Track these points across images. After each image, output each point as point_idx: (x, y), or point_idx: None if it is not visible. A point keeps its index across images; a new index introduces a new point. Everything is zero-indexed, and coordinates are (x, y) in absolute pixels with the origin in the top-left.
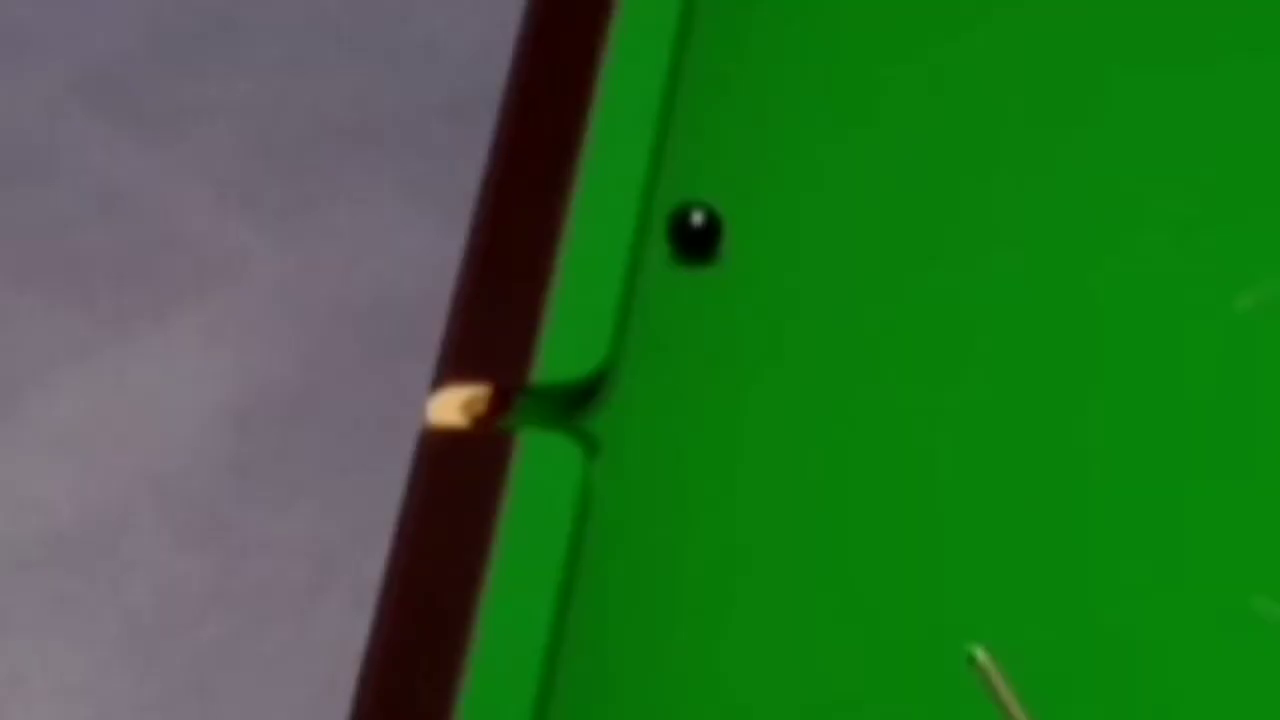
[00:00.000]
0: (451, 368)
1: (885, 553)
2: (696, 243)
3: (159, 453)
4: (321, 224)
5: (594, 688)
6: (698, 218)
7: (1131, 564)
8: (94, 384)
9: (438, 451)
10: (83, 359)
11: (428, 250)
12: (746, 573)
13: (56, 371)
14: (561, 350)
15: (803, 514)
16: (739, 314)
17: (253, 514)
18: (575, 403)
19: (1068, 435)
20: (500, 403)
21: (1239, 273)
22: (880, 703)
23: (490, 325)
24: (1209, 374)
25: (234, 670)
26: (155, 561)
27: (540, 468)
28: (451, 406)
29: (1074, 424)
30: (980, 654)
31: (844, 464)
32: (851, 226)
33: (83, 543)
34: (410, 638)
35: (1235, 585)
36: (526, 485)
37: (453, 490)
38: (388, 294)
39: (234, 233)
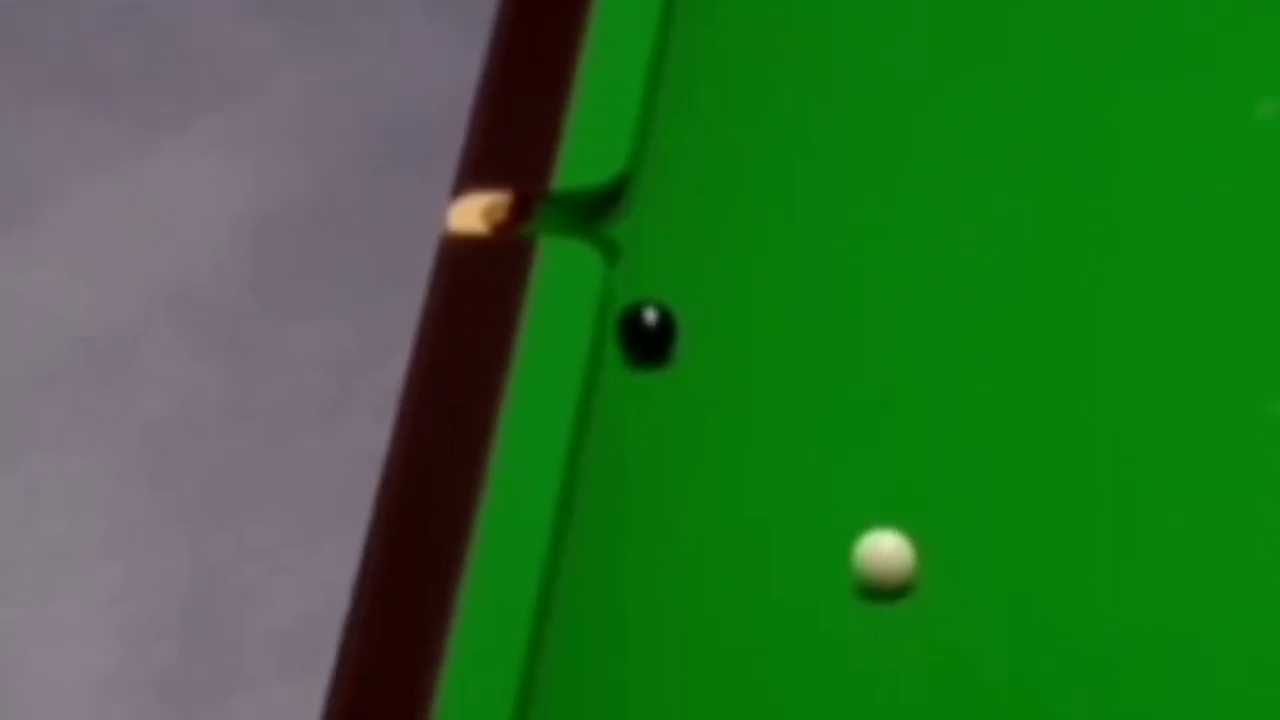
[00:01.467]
0: (472, 175)
1: (904, 352)
2: None
3: (177, 265)
4: (342, 36)
5: (615, 491)
6: None
7: (1153, 370)
8: (113, 196)
9: (458, 258)
10: (101, 171)
11: (448, 63)
12: (765, 373)
13: (75, 184)
14: (582, 157)
15: (822, 314)
16: (762, 120)
17: (271, 326)
18: (596, 210)
19: (1091, 243)
20: (521, 210)
21: (1259, 81)
22: (897, 491)
23: (511, 132)
24: (1230, 180)
25: (252, 482)
26: (173, 374)
27: (561, 274)
28: (472, 214)
29: (1098, 230)
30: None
31: (863, 264)
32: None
33: (101, 355)
34: (431, 448)
35: (1258, 391)
36: (547, 292)
37: (473, 297)
38: (408, 106)
39: (254, 45)
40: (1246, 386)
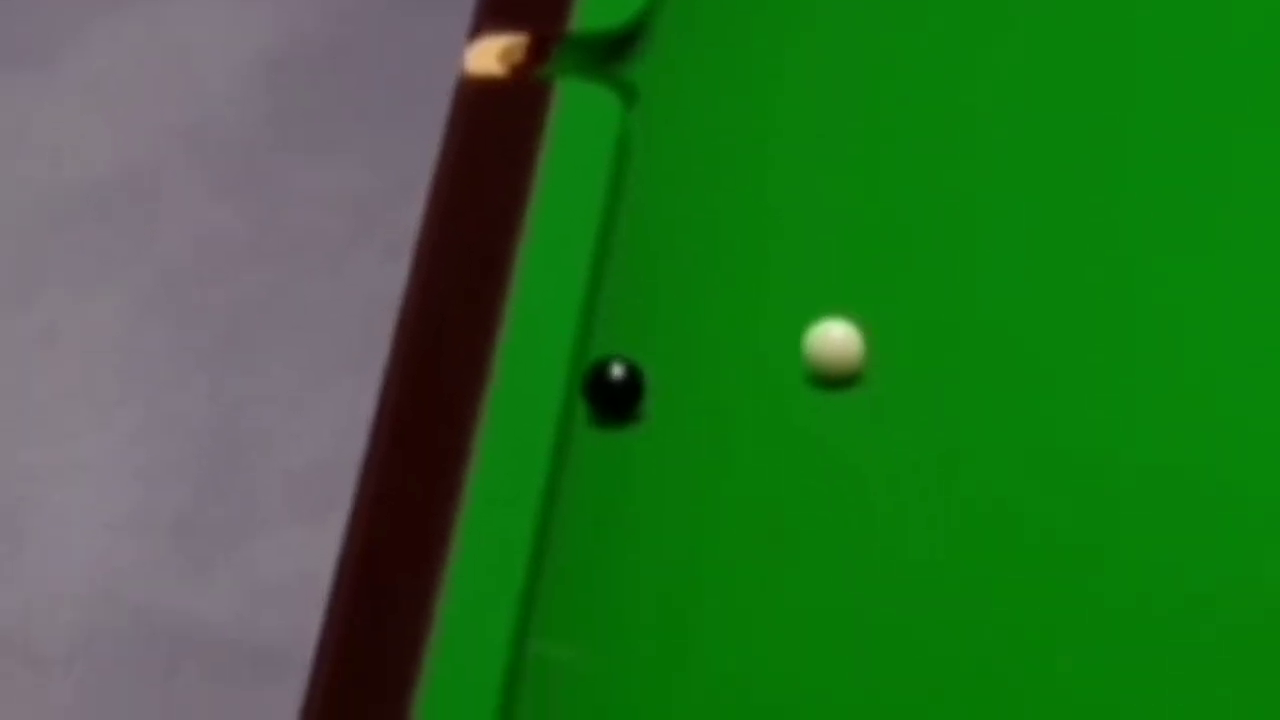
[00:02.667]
0: (489, 17)
1: (920, 202)
2: None
3: (194, 104)
4: None
5: (632, 330)
6: None
7: (1171, 204)
8: (129, 36)
9: (475, 100)
10: (117, 11)
11: None
12: (779, 226)
13: (90, 24)
14: None
15: (839, 163)
16: None
17: (288, 165)
18: (613, 52)
19: (1108, 91)
20: (538, 51)
21: None
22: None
23: None
24: (1246, 31)
25: (269, 323)
26: (191, 213)
27: (578, 116)
28: (489, 55)
29: (1115, 78)
30: None
31: (880, 114)
32: None
33: (118, 194)
34: (447, 289)
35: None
36: (564, 133)
37: (490, 138)
38: None
39: None
40: (1266, 222)
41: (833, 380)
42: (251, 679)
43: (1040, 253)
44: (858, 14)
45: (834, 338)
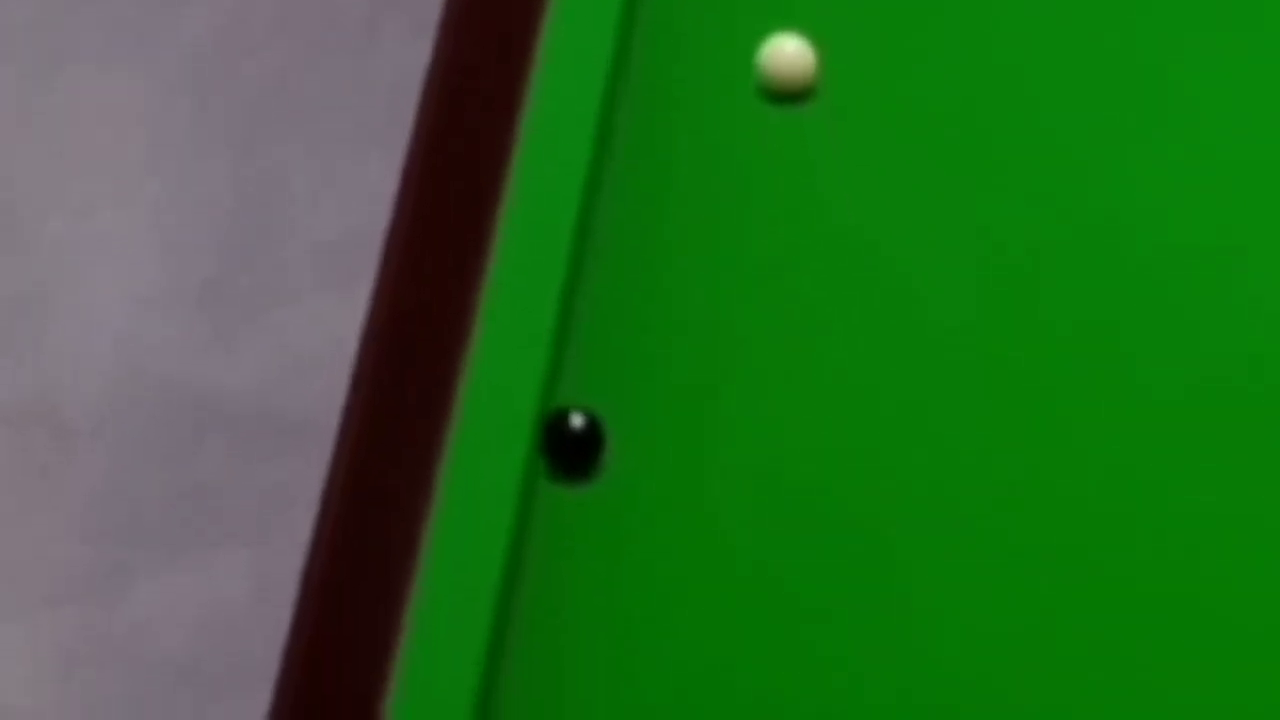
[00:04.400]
0: None
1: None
2: None
3: None
4: None
5: (646, 182)
6: None
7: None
8: None
9: None
10: None
11: None
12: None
13: None
14: None
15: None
16: None
17: None
18: None
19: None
20: None
21: None
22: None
23: None
24: None
25: (296, 95)
26: None
27: None
28: None
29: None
30: None
31: None
32: None
33: None
34: (472, 63)
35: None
36: None
37: None
38: None
39: None
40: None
41: (789, 92)
42: (277, 449)
43: (1068, 18)
44: None
45: (787, 50)
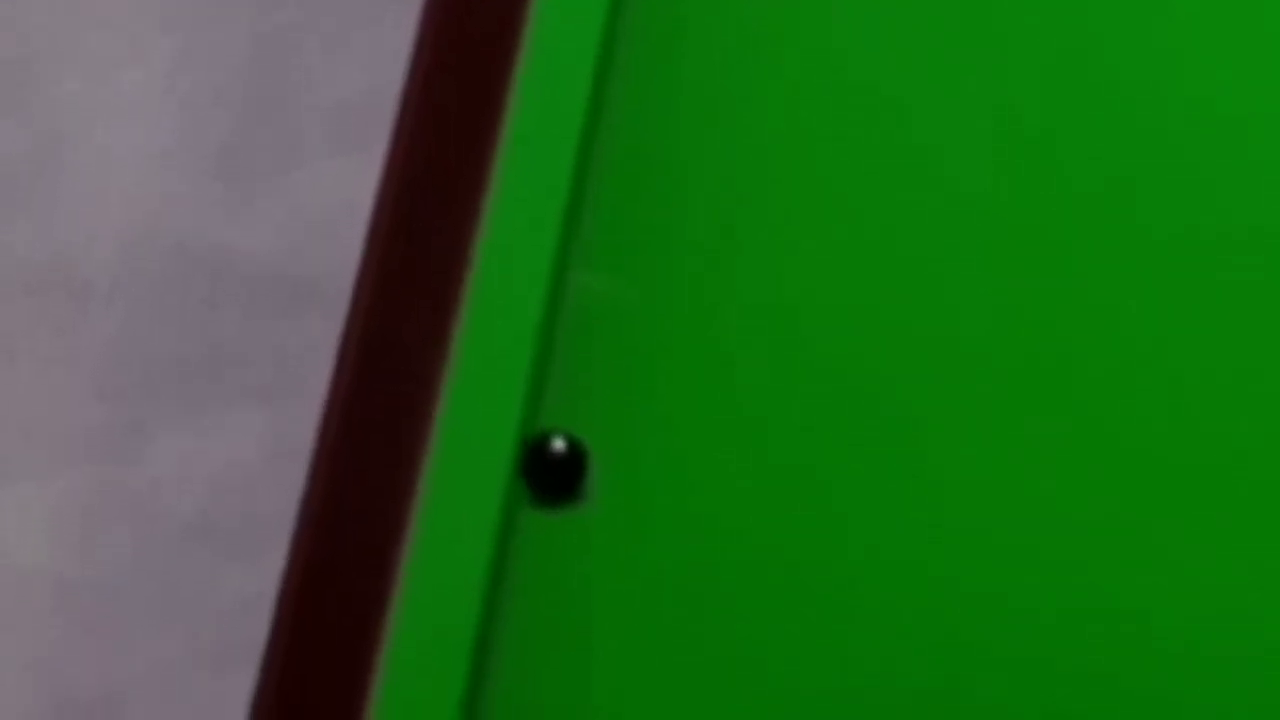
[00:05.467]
0: None
1: None
2: None
3: None
4: None
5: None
6: None
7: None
8: None
9: None
10: None
11: None
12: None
13: None
14: None
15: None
16: None
17: None
18: None
19: None
20: None
21: None
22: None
23: None
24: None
25: None
26: None
27: None
28: None
29: None
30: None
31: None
32: None
33: None
34: None
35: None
36: None
37: None
38: None
39: None
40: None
41: None
42: (293, 309)
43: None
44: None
45: None
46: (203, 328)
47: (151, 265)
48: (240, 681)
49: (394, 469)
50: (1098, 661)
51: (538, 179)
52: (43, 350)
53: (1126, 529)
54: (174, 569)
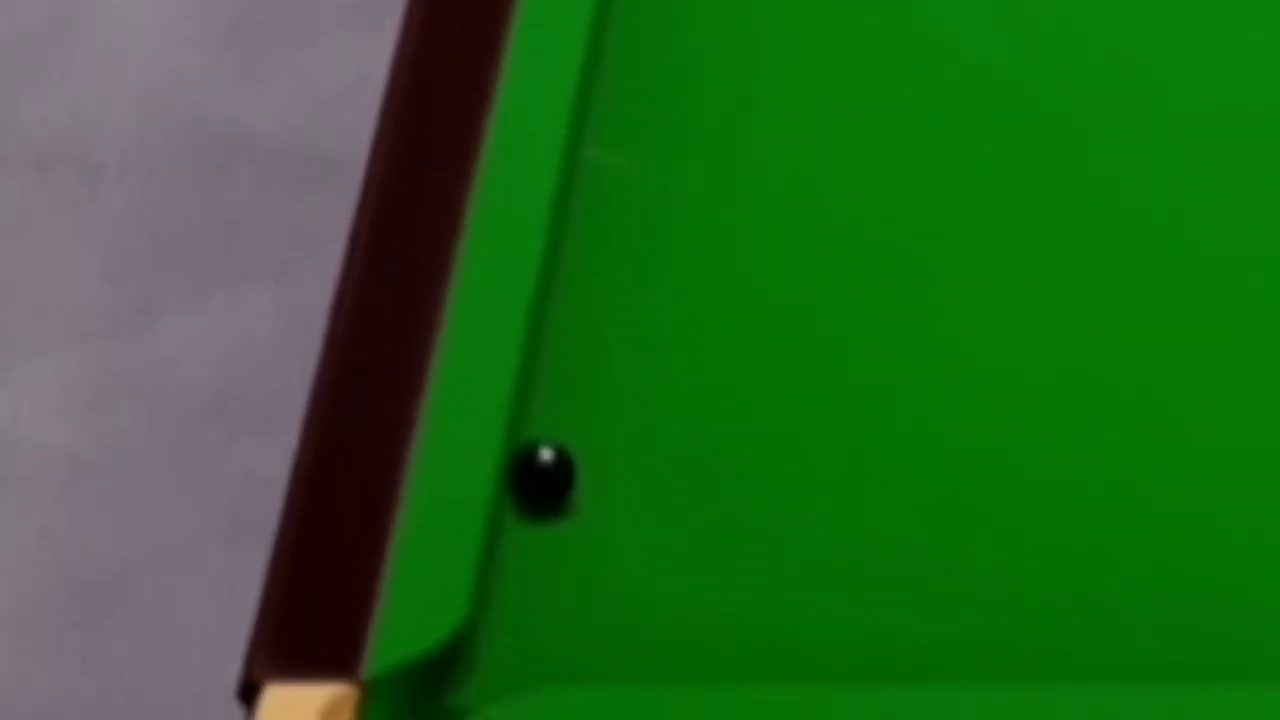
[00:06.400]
0: None
1: None
2: None
3: None
4: None
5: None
6: None
7: None
8: None
9: None
10: None
11: None
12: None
13: None
14: None
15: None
16: None
17: None
18: None
19: None
20: None
21: None
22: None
23: None
24: None
25: None
26: None
27: None
28: None
29: None
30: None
31: None
32: None
33: None
34: None
35: None
36: None
37: None
38: None
39: None
40: None
41: None
42: (305, 185)
43: None
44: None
45: None
46: (215, 203)
47: (163, 140)
48: (253, 557)
49: (408, 345)
50: (1104, 528)
51: (553, 53)
52: (54, 226)
53: (1134, 394)
54: (187, 446)
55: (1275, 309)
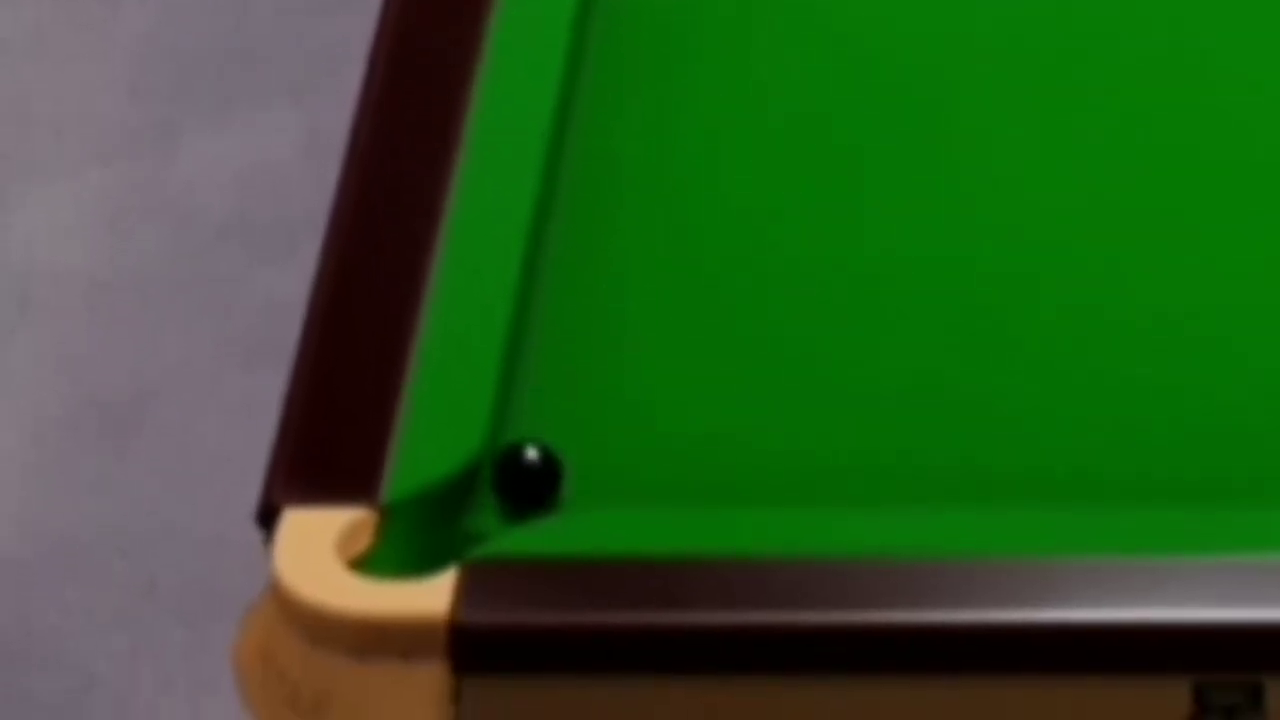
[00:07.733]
0: None
1: None
2: None
3: None
4: None
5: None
6: None
7: None
8: None
9: None
10: None
11: None
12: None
13: None
14: None
15: None
16: None
17: None
18: None
19: None
20: None
21: None
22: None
23: None
24: None
25: None
26: None
27: None
28: None
29: None
30: None
31: None
32: None
33: None
34: None
35: None
36: None
37: None
38: None
39: None
40: None
41: None
42: (325, 7)
43: None
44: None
45: None
46: (235, 25)
47: None
48: (271, 379)
49: (427, 167)
50: (1127, 352)
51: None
52: (74, 47)
53: (1159, 213)
54: (206, 268)
55: None
